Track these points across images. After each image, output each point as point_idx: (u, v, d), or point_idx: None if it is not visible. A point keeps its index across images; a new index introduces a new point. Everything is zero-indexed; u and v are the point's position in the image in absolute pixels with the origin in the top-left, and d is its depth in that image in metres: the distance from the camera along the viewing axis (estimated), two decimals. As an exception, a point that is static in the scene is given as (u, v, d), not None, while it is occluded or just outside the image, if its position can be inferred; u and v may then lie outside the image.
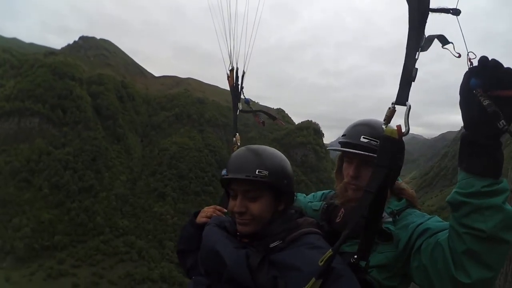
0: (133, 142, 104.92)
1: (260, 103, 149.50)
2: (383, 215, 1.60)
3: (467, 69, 1.18)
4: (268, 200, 1.52)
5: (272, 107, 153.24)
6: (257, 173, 1.46)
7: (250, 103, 2.55)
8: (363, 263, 1.36)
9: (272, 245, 1.44)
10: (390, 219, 1.65)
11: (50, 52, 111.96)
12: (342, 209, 1.77)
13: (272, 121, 2.64)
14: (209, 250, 1.48)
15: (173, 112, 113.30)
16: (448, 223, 1.41)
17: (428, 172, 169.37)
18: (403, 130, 1.20)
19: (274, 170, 1.50)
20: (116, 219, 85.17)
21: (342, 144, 1.80)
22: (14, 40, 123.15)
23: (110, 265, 75.77)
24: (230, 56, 2.40)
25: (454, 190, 1.27)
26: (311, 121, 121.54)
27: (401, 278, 1.61)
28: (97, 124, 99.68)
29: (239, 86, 2.47)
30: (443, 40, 1.22)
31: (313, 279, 1.19)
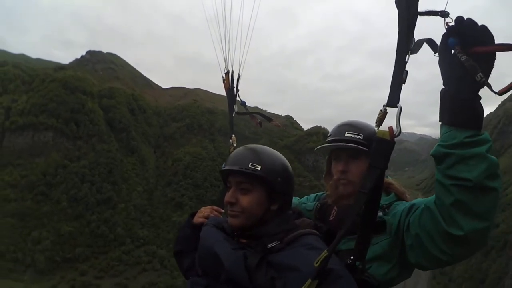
0: (147, 153, 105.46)
1: (268, 111, 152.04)
2: None
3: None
4: (259, 196, 1.54)
5: (280, 114, 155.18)
6: (249, 166, 1.51)
7: (246, 105, 2.62)
8: (359, 263, 1.37)
9: (270, 245, 1.44)
10: (381, 213, 1.69)
11: (59, 67, 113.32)
12: (335, 208, 1.88)
13: (269, 123, 2.73)
14: (207, 252, 1.50)
15: (184, 123, 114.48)
16: (431, 197, 1.46)
17: None
18: (395, 131, 1.23)
19: (267, 166, 1.54)
20: (136, 230, 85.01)
21: (329, 142, 1.93)
22: (22, 56, 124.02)
23: (133, 275, 75.37)
24: (225, 60, 2.45)
25: (437, 144, 1.30)
26: (320, 126, 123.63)
27: (400, 268, 1.62)
28: (110, 137, 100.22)
29: (235, 89, 2.55)
30: (433, 45, 1.26)
31: (309, 280, 1.20)
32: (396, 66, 1.24)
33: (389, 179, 1.91)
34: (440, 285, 66.80)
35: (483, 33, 1.14)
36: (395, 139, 1.26)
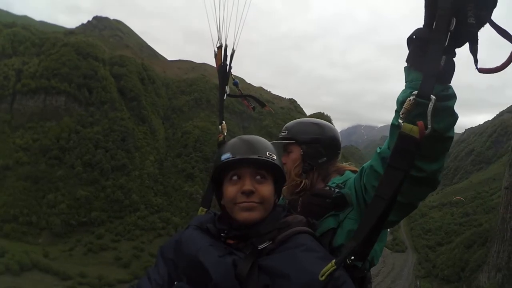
0: (157, 124, 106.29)
1: (272, 92, 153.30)
2: (331, 190, 1.80)
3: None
4: (272, 187, 1.47)
5: (284, 97, 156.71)
6: (268, 155, 1.43)
7: (239, 85, 2.28)
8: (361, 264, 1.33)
9: (260, 246, 1.32)
10: (338, 190, 1.75)
11: (69, 31, 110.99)
12: (300, 199, 1.94)
13: (261, 108, 2.53)
14: (191, 260, 1.35)
15: (192, 97, 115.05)
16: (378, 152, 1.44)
17: None
18: (426, 129, 1.08)
19: (277, 157, 1.49)
20: (149, 197, 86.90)
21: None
22: (25, 18, 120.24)
23: (148, 239, 77.78)
24: (218, 31, 2.11)
25: (408, 90, 1.19)
26: (323, 113, 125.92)
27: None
28: (122, 105, 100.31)
29: (227, 66, 2.17)
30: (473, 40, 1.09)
31: None
32: (432, 49, 1.06)
33: (344, 164, 2.08)
34: (424, 269, 72.23)
35: None
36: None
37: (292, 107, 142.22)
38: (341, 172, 1.99)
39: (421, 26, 1.15)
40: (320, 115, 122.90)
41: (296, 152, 2.03)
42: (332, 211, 1.70)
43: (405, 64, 1.22)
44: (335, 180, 1.89)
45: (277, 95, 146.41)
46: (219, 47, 2.17)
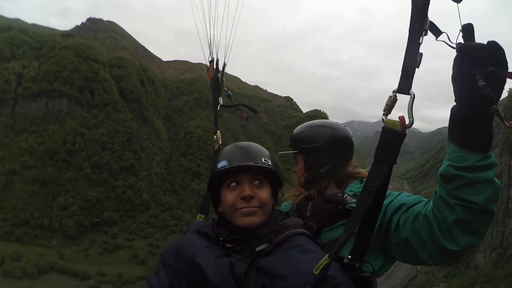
0: (159, 124, 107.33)
1: (268, 90, 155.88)
2: (345, 197, 1.74)
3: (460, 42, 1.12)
4: (269, 192, 1.50)
5: (280, 95, 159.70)
6: (263, 160, 1.46)
7: (232, 97, 2.35)
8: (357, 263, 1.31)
9: (258, 248, 1.32)
10: (354, 200, 1.68)
11: (66, 34, 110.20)
12: (310, 203, 1.85)
13: (254, 114, 2.54)
14: (189, 263, 1.36)
15: (192, 97, 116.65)
16: (417, 196, 1.53)
17: (424, 164, 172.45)
18: (407, 121, 1.12)
19: (273, 162, 1.51)
20: (159, 196, 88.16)
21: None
22: (18, 21, 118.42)
23: (162, 236, 79.05)
24: (209, 46, 2.17)
25: (446, 163, 1.23)
26: (320, 110, 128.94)
27: (384, 258, 1.62)
28: (124, 106, 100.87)
29: (220, 79, 2.26)
30: (435, 29, 1.14)
31: None
32: (409, 47, 1.11)
33: (356, 169, 1.98)
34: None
35: (500, 53, 1.06)
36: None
37: (288, 105, 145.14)
38: (359, 177, 1.90)
39: (457, 105, 1.16)
40: (316, 112, 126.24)
41: (301, 162, 1.97)
42: (344, 220, 1.64)
43: (396, 62, 1.21)
44: (353, 187, 1.83)
45: (274, 93, 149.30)
46: (211, 61, 2.23)
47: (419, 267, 66.65)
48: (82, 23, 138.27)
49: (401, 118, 1.13)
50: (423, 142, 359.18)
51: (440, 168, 1.27)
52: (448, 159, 1.23)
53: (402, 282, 57.55)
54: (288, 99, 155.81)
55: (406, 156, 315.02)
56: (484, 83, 1.05)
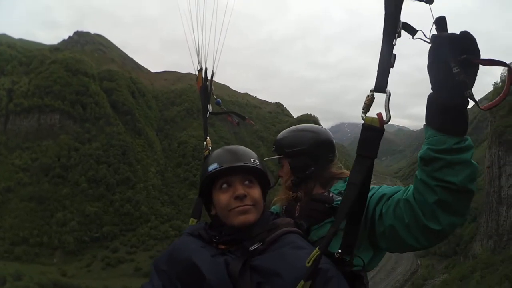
0: (152, 136, 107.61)
1: (258, 97, 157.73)
2: (331, 195, 1.80)
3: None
4: (260, 190, 1.55)
5: (270, 101, 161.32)
6: (252, 161, 1.51)
7: (221, 104, 2.46)
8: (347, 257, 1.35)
9: (251, 248, 1.36)
10: (340, 198, 1.72)
11: (54, 48, 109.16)
12: (298, 204, 1.93)
13: (243, 121, 2.62)
14: (185, 264, 1.38)
15: (183, 107, 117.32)
16: (396, 186, 1.61)
17: (415, 162, 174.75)
18: (384, 118, 1.20)
19: (261, 163, 1.57)
20: (158, 207, 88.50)
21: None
22: (4, 36, 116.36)
23: (164, 248, 79.01)
24: (198, 55, 2.22)
25: (425, 146, 1.31)
26: (310, 114, 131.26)
27: (373, 250, 1.67)
28: (116, 119, 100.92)
29: (209, 88, 2.32)
30: (410, 29, 1.20)
31: (302, 282, 1.15)
32: (383, 49, 1.18)
33: (344, 170, 2.05)
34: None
35: (472, 42, 1.14)
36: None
37: (279, 111, 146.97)
38: (343, 177, 1.96)
39: (433, 92, 1.24)
40: (307, 117, 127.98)
41: (286, 166, 2.03)
42: (331, 218, 1.69)
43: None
44: (338, 186, 1.90)
45: (264, 100, 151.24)
46: (200, 70, 2.28)
47: (419, 262, 69.94)
48: (70, 37, 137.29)
49: (379, 115, 1.20)
50: (413, 140, 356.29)
51: (419, 152, 1.36)
52: (427, 143, 1.31)
53: (403, 276, 60.66)
54: (279, 105, 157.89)
55: (397, 155, 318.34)
56: (458, 70, 1.11)
